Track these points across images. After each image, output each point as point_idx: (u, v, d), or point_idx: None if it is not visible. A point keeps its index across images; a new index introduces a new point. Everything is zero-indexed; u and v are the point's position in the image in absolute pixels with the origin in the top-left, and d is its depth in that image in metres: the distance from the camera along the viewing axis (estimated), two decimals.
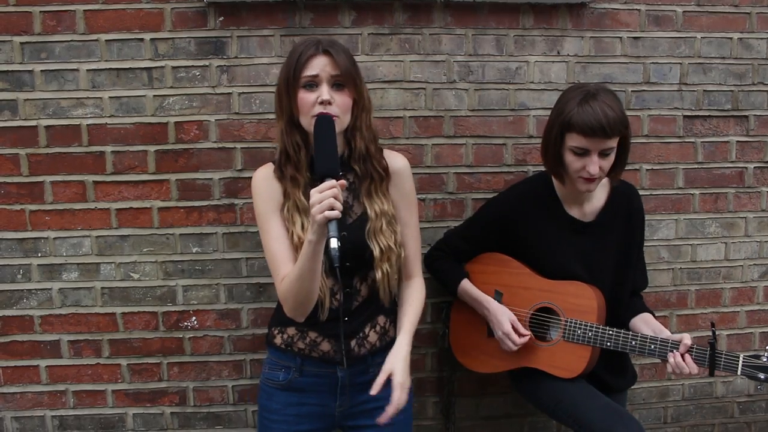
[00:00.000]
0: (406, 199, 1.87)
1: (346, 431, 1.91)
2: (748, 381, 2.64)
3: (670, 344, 1.89)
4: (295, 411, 1.82)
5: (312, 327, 1.79)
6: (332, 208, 1.47)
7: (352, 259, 1.71)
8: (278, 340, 1.85)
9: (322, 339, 1.80)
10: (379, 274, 1.76)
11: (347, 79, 1.69)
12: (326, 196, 1.47)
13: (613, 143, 1.90)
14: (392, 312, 1.89)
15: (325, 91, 1.66)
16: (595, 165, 1.89)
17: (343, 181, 1.53)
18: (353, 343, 1.80)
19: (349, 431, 1.89)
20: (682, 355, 1.86)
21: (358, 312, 1.80)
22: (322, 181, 1.52)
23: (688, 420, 2.69)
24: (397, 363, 1.74)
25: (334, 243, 1.46)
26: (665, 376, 2.63)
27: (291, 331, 1.83)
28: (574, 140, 1.89)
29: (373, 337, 1.84)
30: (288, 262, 1.71)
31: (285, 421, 1.83)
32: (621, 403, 2.17)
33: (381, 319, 1.86)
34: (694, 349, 1.87)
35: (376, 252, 1.74)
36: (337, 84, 1.69)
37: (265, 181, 1.79)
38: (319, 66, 1.67)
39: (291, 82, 1.69)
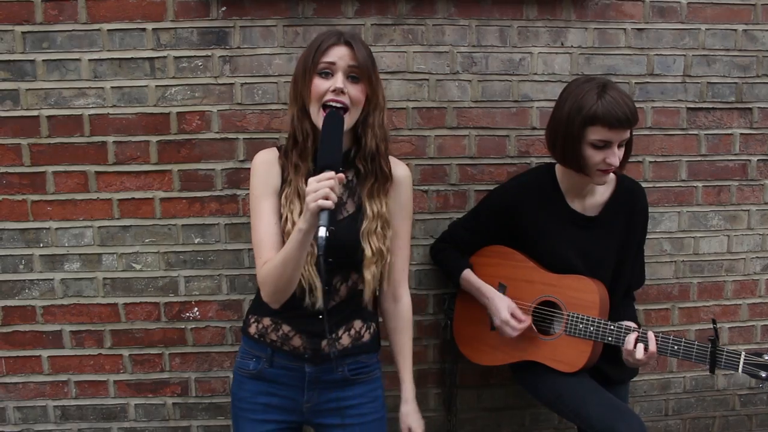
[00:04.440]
0: (403, 210, 1.86)
1: (315, 429, 1.91)
2: None
3: (671, 340, 1.89)
4: (265, 400, 1.81)
5: (287, 320, 1.78)
6: (327, 199, 1.47)
7: (337, 256, 1.66)
8: (252, 329, 1.84)
9: (294, 334, 1.78)
10: (368, 276, 1.74)
11: (363, 72, 1.69)
12: (323, 186, 1.47)
13: (629, 133, 1.91)
14: (371, 318, 1.88)
15: (339, 80, 1.66)
16: (615, 156, 1.89)
17: (341, 175, 1.53)
18: (325, 342, 1.76)
19: (318, 429, 1.89)
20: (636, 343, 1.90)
21: (334, 312, 1.77)
22: (321, 172, 1.52)
23: (689, 412, 2.70)
24: (412, 419, 1.90)
25: (322, 232, 1.46)
26: (667, 368, 2.63)
27: (266, 321, 1.82)
28: (597, 134, 1.87)
29: (345, 340, 1.81)
30: (273, 248, 1.70)
31: (254, 410, 1.82)
32: (623, 395, 2.18)
33: (357, 324, 1.83)
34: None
35: (368, 252, 1.73)
36: (352, 76, 1.68)
37: (264, 164, 1.79)
38: (337, 54, 1.67)
39: (308, 67, 1.69)
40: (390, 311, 1.92)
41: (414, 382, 1.92)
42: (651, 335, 1.90)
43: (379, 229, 1.76)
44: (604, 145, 1.89)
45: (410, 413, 1.90)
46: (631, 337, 1.90)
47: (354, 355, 1.82)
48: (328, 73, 1.68)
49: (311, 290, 1.72)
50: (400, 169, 1.84)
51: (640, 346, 1.89)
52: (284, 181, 1.76)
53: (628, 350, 1.91)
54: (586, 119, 1.87)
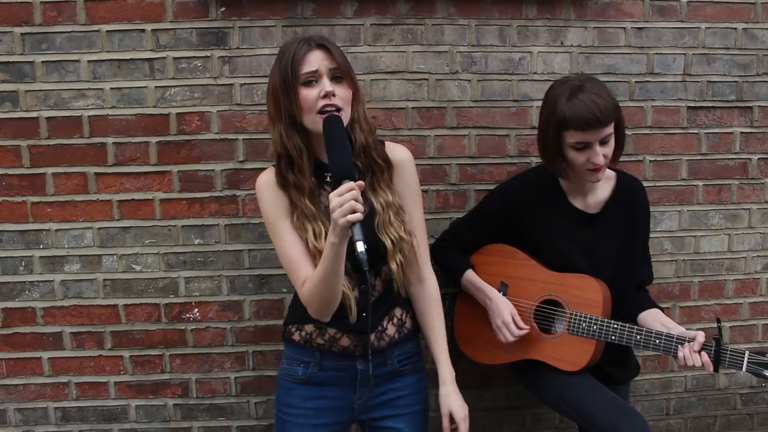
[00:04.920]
0: (410, 192, 1.85)
1: (363, 425, 1.91)
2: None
3: (675, 340, 1.88)
4: (315, 404, 1.82)
5: (331, 323, 1.77)
6: (354, 211, 1.46)
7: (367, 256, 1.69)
8: (296, 337, 1.85)
9: (341, 335, 1.79)
10: (393, 266, 1.75)
11: (345, 71, 1.69)
12: (346, 199, 1.47)
13: (610, 129, 1.91)
14: (408, 303, 1.90)
15: (327, 84, 1.65)
16: (598, 155, 1.89)
17: (361, 182, 1.52)
18: (373, 337, 1.79)
19: (367, 423, 1.89)
20: (699, 353, 1.85)
21: (376, 306, 1.79)
22: (338, 184, 1.50)
23: (691, 412, 2.69)
24: (452, 401, 1.84)
25: (360, 246, 1.46)
26: (668, 367, 2.63)
27: (309, 328, 1.82)
28: (572, 137, 1.89)
29: (391, 330, 1.84)
30: (307, 264, 1.70)
31: (304, 415, 1.82)
32: (624, 394, 2.18)
33: (398, 312, 1.86)
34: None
35: (389, 245, 1.73)
36: (335, 77, 1.68)
37: (269, 187, 1.76)
38: (317, 61, 1.66)
39: (290, 81, 1.66)
40: (416, 293, 1.90)
41: (451, 363, 1.88)
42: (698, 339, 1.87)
43: (392, 218, 1.76)
44: (584, 147, 1.89)
45: (450, 394, 1.84)
46: (705, 359, 1.85)
47: (401, 344, 1.85)
48: (312, 81, 1.66)
49: (349, 304, 1.72)
50: (399, 153, 1.84)
51: (704, 356, 1.86)
52: (291, 201, 1.74)
53: (707, 363, 1.86)
54: (559, 124, 1.89)
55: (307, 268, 1.69)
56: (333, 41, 1.74)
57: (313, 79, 1.66)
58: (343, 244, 1.53)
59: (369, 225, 1.73)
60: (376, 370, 1.80)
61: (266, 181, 1.78)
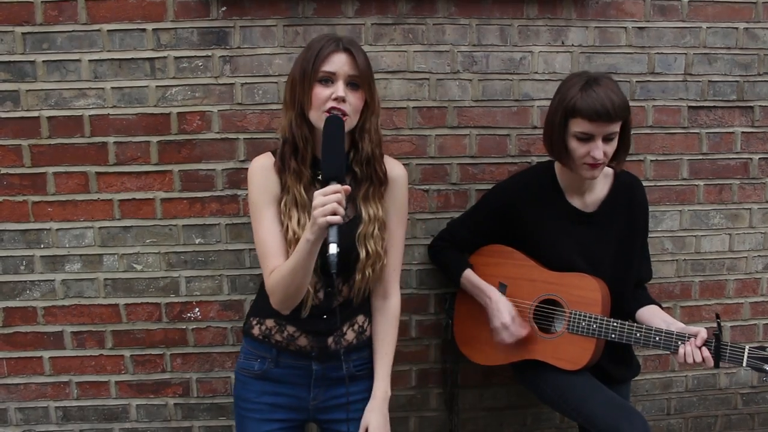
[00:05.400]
0: (397, 209, 1.85)
1: (319, 426, 1.92)
2: (751, 372, 2.64)
3: (675, 336, 1.88)
4: (271, 400, 1.82)
5: (290, 321, 1.79)
6: (335, 213, 1.47)
7: (338, 260, 1.66)
8: (256, 331, 1.85)
9: (299, 334, 1.80)
10: (359, 277, 1.76)
11: (363, 80, 1.69)
12: (330, 200, 1.48)
13: (616, 128, 1.90)
14: (370, 312, 1.89)
15: (340, 88, 1.66)
16: (599, 150, 1.89)
17: (347, 187, 1.53)
18: (330, 340, 1.80)
19: (323, 425, 1.90)
20: (700, 348, 1.84)
21: (338, 311, 1.79)
22: (326, 184, 1.52)
23: (692, 411, 2.69)
24: (373, 418, 1.80)
25: (333, 249, 1.47)
26: (669, 367, 2.63)
27: (270, 323, 1.82)
28: (578, 126, 1.89)
29: (350, 335, 1.84)
30: (279, 255, 1.71)
31: (260, 410, 1.83)
32: (624, 394, 2.18)
33: (360, 319, 1.86)
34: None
35: (363, 255, 1.74)
36: (352, 84, 1.69)
37: (263, 171, 1.78)
38: (338, 63, 1.67)
39: (308, 74, 1.68)
40: (378, 308, 1.89)
41: (389, 383, 1.85)
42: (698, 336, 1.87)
43: (376, 231, 1.77)
44: (588, 138, 1.89)
45: (374, 411, 1.81)
46: (706, 354, 1.84)
47: (359, 350, 1.85)
48: (328, 81, 1.67)
49: (305, 300, 1.73)
50: (396, 169, 1.85)
51: (705, 351, 1.85)
52: (283, 187, 1.75)
53: (707, 358, 1.85)
54: (568, 110, 1.89)
55: (278, 258, 1.70)
56: (361, 48, 1.73)
57: (329, 79, 1.67)
58: (317, 243, 1.54)
59: (351, 231, 1.74)
60: (331, 373, 1.81)
61: (261, 164, 1.80)
